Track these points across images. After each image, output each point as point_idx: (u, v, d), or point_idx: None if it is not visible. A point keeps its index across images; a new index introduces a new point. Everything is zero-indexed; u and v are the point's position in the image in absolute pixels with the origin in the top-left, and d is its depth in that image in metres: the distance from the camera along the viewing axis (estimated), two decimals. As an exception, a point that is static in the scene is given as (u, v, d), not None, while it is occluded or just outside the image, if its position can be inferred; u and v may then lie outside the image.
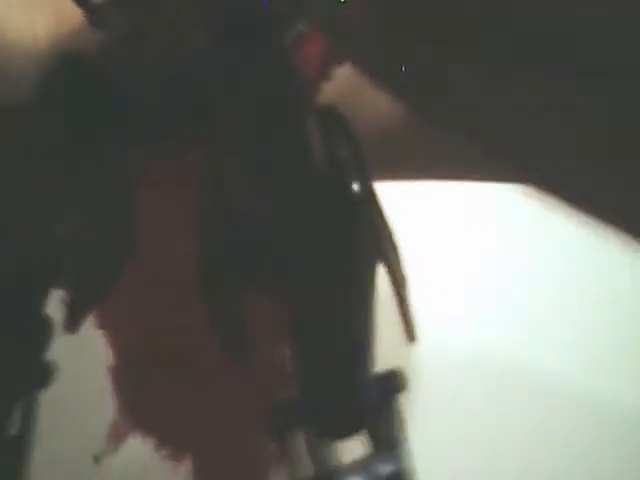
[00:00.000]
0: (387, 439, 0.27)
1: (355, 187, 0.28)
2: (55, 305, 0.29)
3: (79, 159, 0.28)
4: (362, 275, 0.27)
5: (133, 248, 0.28)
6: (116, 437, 0.32)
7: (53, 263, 0.28)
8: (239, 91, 0.28)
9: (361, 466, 0.26)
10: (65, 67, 0.29)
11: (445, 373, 0.31)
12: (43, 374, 0.27)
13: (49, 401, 0.28)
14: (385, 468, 0.26)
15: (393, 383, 0.27)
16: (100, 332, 0.31)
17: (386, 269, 0.28)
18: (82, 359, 0.33)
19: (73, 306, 0.28)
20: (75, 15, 0.34)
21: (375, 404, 0.27)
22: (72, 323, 0.27)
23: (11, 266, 0.28)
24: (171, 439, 0.32)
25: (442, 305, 0.38)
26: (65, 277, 0.29)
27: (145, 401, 0.32)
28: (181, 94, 0.28)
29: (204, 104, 0.28)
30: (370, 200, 0.29)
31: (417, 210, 0.32)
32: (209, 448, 0.31)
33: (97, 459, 0.32)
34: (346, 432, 0.26)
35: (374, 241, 0.28)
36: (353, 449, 0.27)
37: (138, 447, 0.31)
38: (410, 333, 0.28)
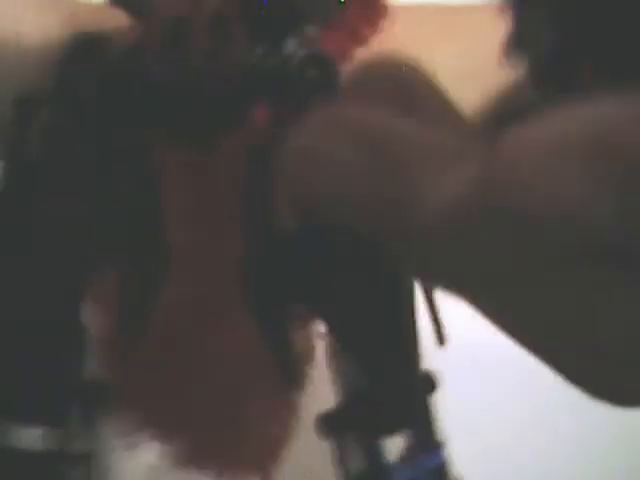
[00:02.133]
0: (427, 435, 0.29)
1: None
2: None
3: (104, 152, 0.28)
4: (406, 279, 0.29)
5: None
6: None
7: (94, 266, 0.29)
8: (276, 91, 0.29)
9: (407, 460, 0.29)
10: (84, 51, 0.29)
11: (465, 369, 0.33)
12: (100, 391, 0.28)
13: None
14: (430, 462, 0.29)
15: (430, 383, 0.29)
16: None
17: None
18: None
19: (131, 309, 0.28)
20: (90, 15, 0.34)
21: (418, 402, 0.29)
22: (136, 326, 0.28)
23: (52, 271, 0.28)
24: (160, 419, 0.32)
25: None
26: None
27: (132, 375, 0.32)
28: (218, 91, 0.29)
29: (239, 103, 0.29)
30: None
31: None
32: (206, 430, 0.32)
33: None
34: (393, 429, 0.29)
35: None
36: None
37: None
38: (440, 336, 0.30)
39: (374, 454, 0.28)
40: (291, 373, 0.29)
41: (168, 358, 0.32)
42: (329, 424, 0.28)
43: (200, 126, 0.29)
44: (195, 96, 0.28)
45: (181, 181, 0.29)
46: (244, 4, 0.28)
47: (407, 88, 0.22)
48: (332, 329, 0.29)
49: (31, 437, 0.27)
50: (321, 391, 0.31)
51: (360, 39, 0.30)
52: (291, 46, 0.29)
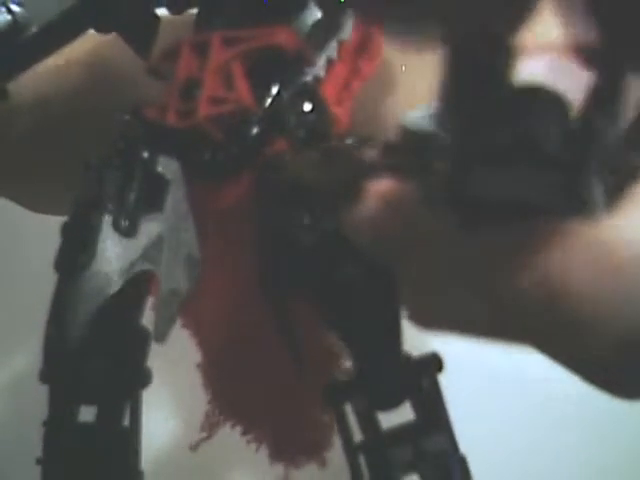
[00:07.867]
0: (431, 414, 0.32)
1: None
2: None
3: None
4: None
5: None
6: (209, 427, 0.38)
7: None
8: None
9: (407, 436, 0.31)
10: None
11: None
12: (146, 376, 0.33)
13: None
14: (433, 444, 0.31)
15: (433, 363, 0.32)
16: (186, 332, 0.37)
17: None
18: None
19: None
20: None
21: (417, 380, 0.32)
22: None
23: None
24: (253, 424, 0.37)
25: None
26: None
27: (232, 392, 0.37)
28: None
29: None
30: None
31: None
32: (279, 425, 0.37)
33: (194, 448, 0.38)
34: (391, 403, 0.32)
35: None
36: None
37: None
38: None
39: (370, 425, 0.31)
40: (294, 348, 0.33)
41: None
42: (331, 395, 0.32)
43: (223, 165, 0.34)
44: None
45: (204, 205, 0.34)
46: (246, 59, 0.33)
47: None
48: (330, 322, 0.32)
49: (88, 413, 0.32)
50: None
51: (361, 75, 0.34)
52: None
